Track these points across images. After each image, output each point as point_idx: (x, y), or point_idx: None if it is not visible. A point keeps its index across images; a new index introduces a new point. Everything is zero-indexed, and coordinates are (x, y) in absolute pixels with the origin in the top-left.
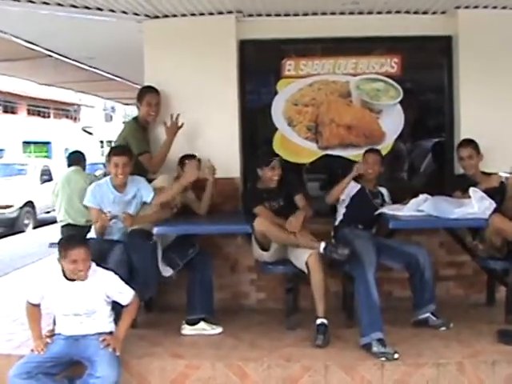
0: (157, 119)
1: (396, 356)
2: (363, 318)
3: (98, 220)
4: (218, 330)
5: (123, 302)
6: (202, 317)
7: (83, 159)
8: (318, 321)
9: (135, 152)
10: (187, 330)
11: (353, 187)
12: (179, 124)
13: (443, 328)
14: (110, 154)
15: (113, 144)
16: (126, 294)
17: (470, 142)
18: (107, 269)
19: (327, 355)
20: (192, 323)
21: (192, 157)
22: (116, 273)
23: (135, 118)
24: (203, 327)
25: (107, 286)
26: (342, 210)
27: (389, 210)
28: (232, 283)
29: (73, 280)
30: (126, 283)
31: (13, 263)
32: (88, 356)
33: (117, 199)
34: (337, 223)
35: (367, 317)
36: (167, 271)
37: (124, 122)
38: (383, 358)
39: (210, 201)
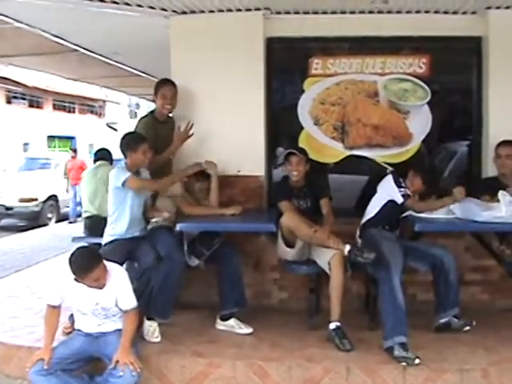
0: (177, 115)
1: (417, 361)
2: (387, 321)
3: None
4: (247, 330)
5: (123, 307)
6: (233, 311)
7: (109, 156)
8: (333, 325)
9: None
10: (219, 324)
11: (401, 191)
12: (190, 133)
13: (467, 327)
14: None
15: None
16: (128, 301)
17: (510, 142)
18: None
19: (349, 357)
20: (224, 318)
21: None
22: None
23: (152, 112)
24: (232, 324)
25: (118, 287)
26: (374, 209)
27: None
28: (254, 282)
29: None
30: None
31: (36, 256)
32: (108, 353)
33: None
34: (364, 221)
35: (391, 320)
36: (193, 261)
37: (141, 117)
38: (404, 363)
39: (218, 196)
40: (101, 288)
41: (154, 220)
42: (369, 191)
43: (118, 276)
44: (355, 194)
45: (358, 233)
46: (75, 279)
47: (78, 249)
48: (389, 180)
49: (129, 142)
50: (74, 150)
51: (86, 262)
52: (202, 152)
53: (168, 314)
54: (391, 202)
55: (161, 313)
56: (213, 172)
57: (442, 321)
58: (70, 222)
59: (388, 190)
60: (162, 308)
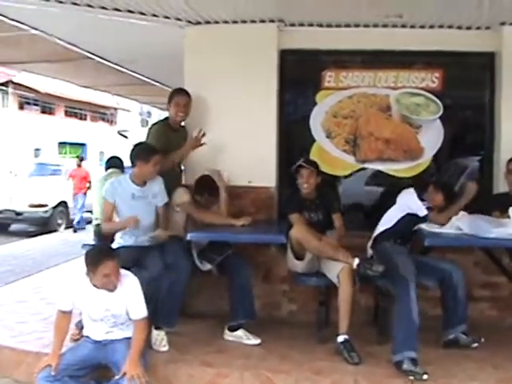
0: (190, 124)
1: (425, 377)
2: (398, 334)
3: (109, 214)
4: (255, 341)
5: (133, 316)
6: (242, 323)
7: (121, 164)
8: (341, 338)
9: None
10: (227, 335)
11: (424, 204)
12: (202, 141)
13: (475, 344)
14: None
15: None
16: (139, 310)
17: None
18: (140, 274)
19: (357, 371)
20: (232, 329)
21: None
22: (158, 281)
23: (165, 119)
24: (241, 335)
25: (130, 295)
26: (390, 222)
27: (428, 226)
28: (263, 293)
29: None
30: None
31: (45, 262)
32: (116, 361)
33: (137, 194)
34: (378, 233)
35: (402, 334)
36: (205, 265)
37: (153, 124)
38: (412, 377)
39: (227, 206)
40: (112, 290)
41: (150, 235)
42: (383, 204)
43: (130, 284)
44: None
45: (370, 243)
46: (87, 274)
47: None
48: (411, 193)
49: (141, 152)
50: (81, 159)
51: (97, 254)
52: (213, 162)
53: (174, 322)
54: (409, 215)
55: (167, 321)
56: (221, 184)
57: (451, 337)
58: (74, 231)
59: (409, 203)
60: (168, 316)
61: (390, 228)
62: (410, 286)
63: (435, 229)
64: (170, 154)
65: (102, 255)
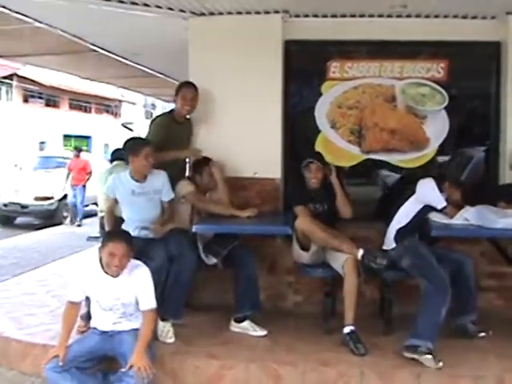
0: (195, 116)
1: (440, 364)
2: (424, 324)
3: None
4: (261, 332)
5: (142, 306)
6: (248, 314)
7: (126, 156)
8: (347, 329)
9: None
10: (233, 326)
11: (443, 195)
12: (199, 154)
13: (482, 334)
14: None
15: None
16: (148, 301)
17: None
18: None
19: (363, 362)
20: (238, 321)
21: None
22: (160, 271)
23: (170, 111)
24: (247, 327)
25: (140, 284)
26: (408, 216)
27: (437, 217)
28: (269, 285)
29: (114, 276)
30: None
31: (51, 254)
32: (123, 352)
33: (137, 190)
34: (400, 226)
35: (429, 326)
36: (211, 259)
37: (156, 116)
38: (429, 356)
39: (228, 197)
40: (114, 276)
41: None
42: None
43: (141, 274)
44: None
45: (392, 235)
46: (99, 248)
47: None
48: (430, 183)
49: (131, 146)
50: (79, 150)
51: (113, 232)
52: (218, 153)
53: (180, 313)
54: (428, 206)
55: (173, 312)
56: (219, 176)
57: (460, 323)
58: (78, 225)
59: (428, 194)
60: (175, 307)
61: (410, 221)
62: (448, 293)
63: (444, 220)
64: (168, 151)
65: (118, 234)
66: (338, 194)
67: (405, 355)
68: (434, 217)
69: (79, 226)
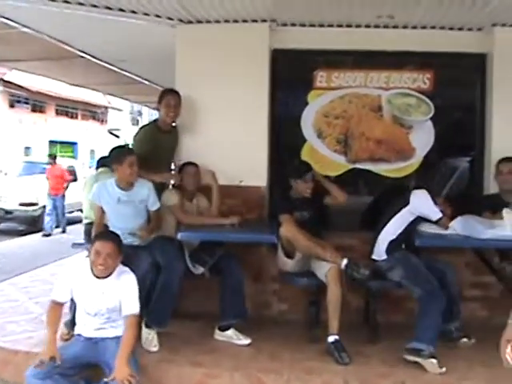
0: (181, 124)
1: (443, 370)
2: (427, 329)
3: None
4: (245, 341)
5: (125, 311)
6: (233, 323)
7: (111, 164)
8: (331, 338)
9: None
10: (217, 335)
11: (438, 206)
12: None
13: (465, 339)
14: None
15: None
16: (131, 306)
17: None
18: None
19: (347, 370)
20: (222, 329)
21: (191, 164)
22: (145, 276)
23: (155, 121)
24: (231, 335)
25: (126, 289)
26: (401, 227)
27: (431, 228)
28: (254, 293)
29: (99, 277)
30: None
31: (35, 261)
32: (106, 360)
33: (123, 198)
34: (393, 238)
35: (432, 332)
36: (197, 269)
37: (142, 126)
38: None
39: (219, 207)
40: (98, 276)
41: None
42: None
43: (127, 279)
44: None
45: (384, 246)
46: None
47: None
48: (425, 195)
49: (115, 155)
50: (53, 157)
51: (104, 232)
52: (204, 161)
53: (165, 322)
54: (420, 218)
55: (158, 321)
56: (215, 184)
57: (443, 329)
58: (45, 235)
59: (423, 205)
60: (160, 316)
61: (402, 233)
62: (442, 298)
63: (438, 231)
64: (150, 173)
65: (106, 234)
66: (329, 186)
67: (406, 358)
68: (427, 228)
69: (63, 232)
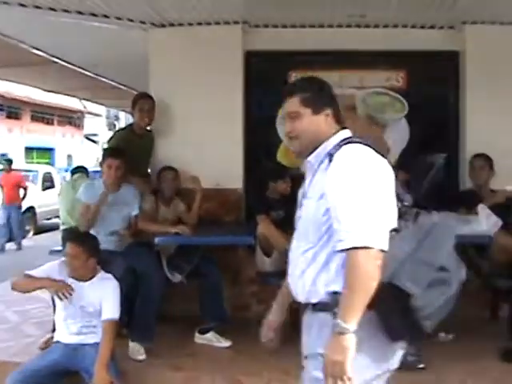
0: (156, 128)
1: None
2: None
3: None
4: (225, 343)
5: (104, 315)
6: (212, 326)
7: (86, 171)
8: None
9: None
10: (197, 338)
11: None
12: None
13: (442, 334)
14: (104, 156)
15: None
16: (111, 310)
17: (484, 155)
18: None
19: None
20: (202, 332)
21: (170, 169)
22: (120, 282)
23: (130, 125)
24: (211, 338)
25: (106, 294)
26: None
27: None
28: (232, 295)
29: (79, 280)
30: (132, 291)
31: (12, 269)
32: (85, 367)
33: (109, 199)
34: None
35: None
36: (176, 277)
37: (117, 130)
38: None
39: (198, 212)
40: (76, 278)
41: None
42: None
43: (109, 285)
44: None
45: None
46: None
47: None
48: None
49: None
50: (9, 162)
51: (72, 233)
52: (180, 164)
53: (151, 337)
54: None
55: (143, 336)
56: (198, 188)
57: None
58: (18, 249)
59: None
60: (145, 332)
61: None
62: None
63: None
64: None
65: (72, 236)
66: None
67: None
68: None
69: (19, 249)
